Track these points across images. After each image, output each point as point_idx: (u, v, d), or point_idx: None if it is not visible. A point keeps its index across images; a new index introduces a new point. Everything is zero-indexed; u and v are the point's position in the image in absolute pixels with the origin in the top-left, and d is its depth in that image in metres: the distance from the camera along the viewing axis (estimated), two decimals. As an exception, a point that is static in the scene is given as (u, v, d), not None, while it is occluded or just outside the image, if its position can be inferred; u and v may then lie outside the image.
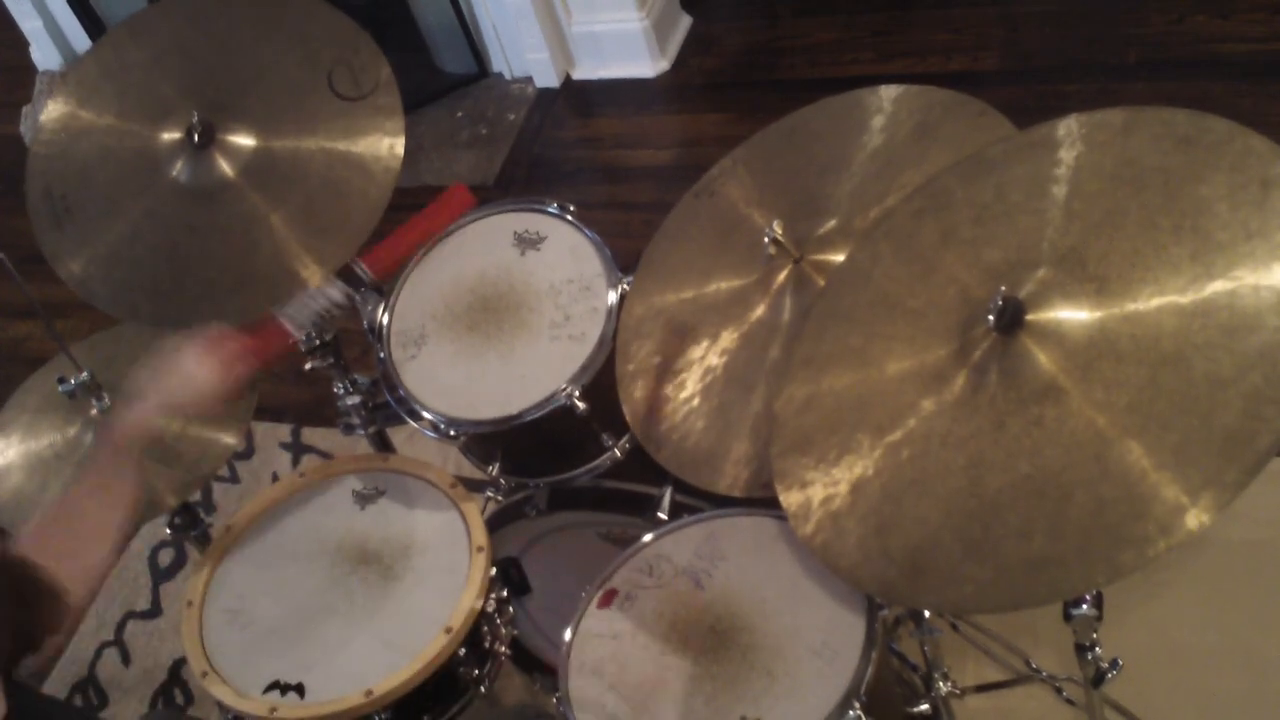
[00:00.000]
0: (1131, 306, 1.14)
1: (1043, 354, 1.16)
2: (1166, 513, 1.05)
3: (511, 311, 1.69)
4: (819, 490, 1.29)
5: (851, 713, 1.30)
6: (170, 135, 1.68)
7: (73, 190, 1.68)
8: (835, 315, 1.37)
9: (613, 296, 1.65)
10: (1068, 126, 1.26)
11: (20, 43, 3.98)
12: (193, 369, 1.41)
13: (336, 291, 1.45)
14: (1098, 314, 1.15)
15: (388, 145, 1.67)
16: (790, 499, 1.31)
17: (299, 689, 1.52)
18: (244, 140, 1.68)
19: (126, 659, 2.49)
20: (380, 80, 1.69)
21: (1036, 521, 1.12)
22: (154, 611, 2.57)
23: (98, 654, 2.52)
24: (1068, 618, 1.27)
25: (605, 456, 1.70)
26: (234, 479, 2.74)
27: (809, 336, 1.39)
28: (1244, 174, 1.13)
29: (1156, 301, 1.13)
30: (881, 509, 1.24)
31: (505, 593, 1.67)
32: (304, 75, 1.70)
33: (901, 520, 1.22)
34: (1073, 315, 1.16)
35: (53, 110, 1.72)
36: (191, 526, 1.86)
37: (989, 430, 1.17)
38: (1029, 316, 1.17)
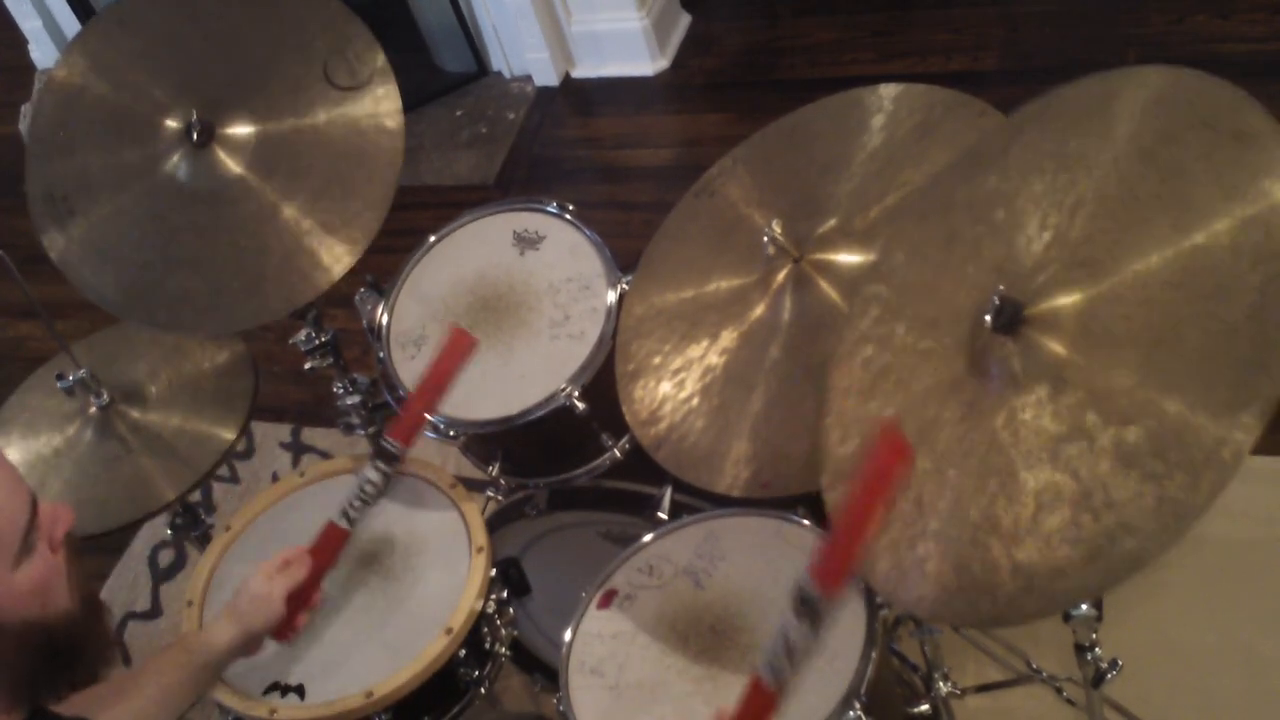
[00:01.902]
0: (1120, 279, 1.12)
1: (1051, 342, 1.15)
2: (1212, 443, 1.02)
3: (511, 311, 1.69)
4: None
5: (851, 713, 1.30)
6: (170, 137, 1.67)
7: (74, 192, 1.67)
8: (864, 338, 1.36)
9: (612, 296, 1.65)
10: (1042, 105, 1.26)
11: (20, 42, 3.98)
12: (263, 589, 1.44)
13: (374, 472, 1.48)
14: (1091, 294, 1.14)
15: (388, 121, 1.66)
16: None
17: (299, 690, 1.52)
18: (244, 130, 1.67)
19: (127, 659, 2.49)
20: (376, 68, 1.68)
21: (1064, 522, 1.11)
22: (154, 612, 2.57)
23: (98, 654, 2.52)
24: (1067, 618, 1.27)
25: (605, 456, 1.70)
26: (234, 479, 2.74)
27: (843, 364, 1.36)
28: (1217, 129, 1.11)
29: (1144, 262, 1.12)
30: (914, 522, 1.20)
31: (505, 593, 1.67)
32: (299, 65, 1.69)
33: (929, 534, 1.19)
34: (1068, 300, 1.15)
35: (48, 112, 1.71)
36: (191, 526, 1.87)
37: (1009, 434, 1.16)
38: (1028, 311, 1.17)
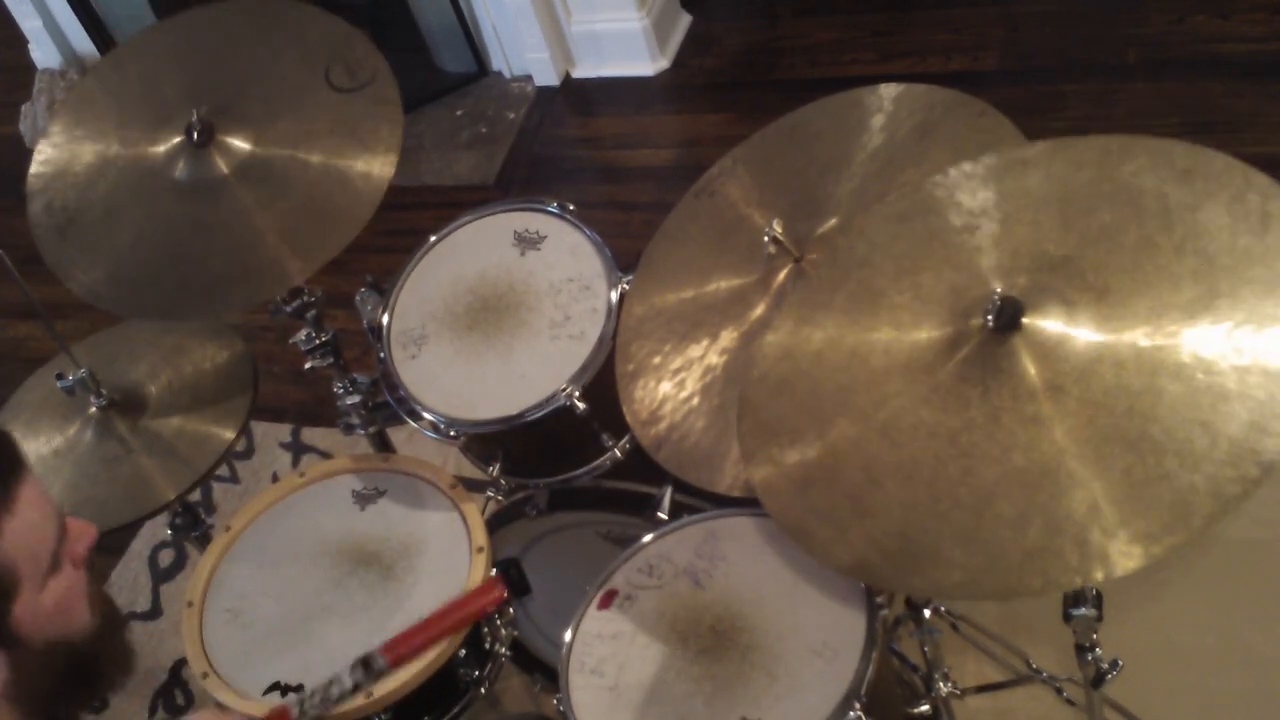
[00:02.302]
0: (1132, 320, 1.13)
1: (1031, 359, 1.15)
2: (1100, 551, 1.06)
3: (511, 311, 1.69)
4: (794, 471, 1.28)
5: (851, 713, 1.29)
6: (170, 137, 1.67)
7: (74, 201, 1.67)
8: (814, 304, 1.36)
9: (613, 296, 1.65)
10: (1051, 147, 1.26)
11: (20, 42, 3.98)
12: None
13: (348, 679, 1.44)
14: (1097, 323, 1.14)
15: (378, 164, 1.63)
16: (759, 474, 1.30)
17: (299, 690, 1.52)
18: (241, 144, 1.66)
19: (127, 660, 2.49)
20: (377, 71, 1.68)
21: (1031, 513, 1.11)
22: (154, 612, 2.57)
23: (97, 654, 2.51)
24: (1067, 618, 1.27)
25: (605, 457, 1.70)
26: (234, 479, 2.74)
27: (784, 321, 1.37)
28: (1244, 205, 1.12)
29: (1158, 317, 1.12)
30: (863, 494, 1.22)
31: (505, 593, 1.67)
32: (302, 78, 1.69)
33: (888, 505, 1.20)
34: (1069, 326, 1.15)
35: (54, 128, 1.71)
36: (192, 527, 1.87)
37: (981, 423, 1.16)
38: (1025, 320, 1.17)
